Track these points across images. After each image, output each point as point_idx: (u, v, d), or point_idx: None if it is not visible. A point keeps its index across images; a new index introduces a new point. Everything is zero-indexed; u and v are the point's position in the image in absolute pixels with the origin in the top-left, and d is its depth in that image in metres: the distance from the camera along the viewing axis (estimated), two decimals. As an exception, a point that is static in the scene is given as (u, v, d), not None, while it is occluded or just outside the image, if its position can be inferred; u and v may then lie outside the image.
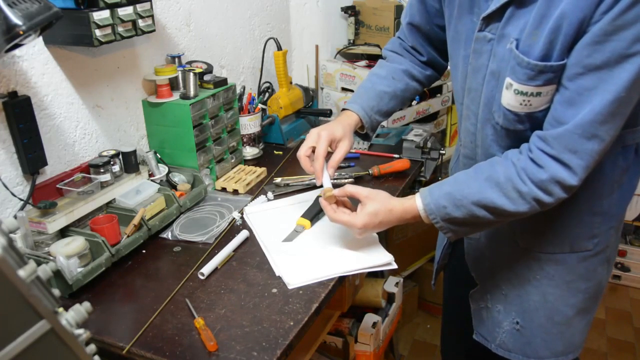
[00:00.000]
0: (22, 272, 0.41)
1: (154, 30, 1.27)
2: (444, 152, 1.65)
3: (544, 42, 0.84)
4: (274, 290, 1.03)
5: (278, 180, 1.48)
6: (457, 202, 0.96)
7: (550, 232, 1.03)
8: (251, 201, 1.39)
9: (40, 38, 1.15)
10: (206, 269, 1.08)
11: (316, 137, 1.15)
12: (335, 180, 1.44)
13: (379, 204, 1.04)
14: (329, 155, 1.17)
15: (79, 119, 1.29)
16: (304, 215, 1.25)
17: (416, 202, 1.01)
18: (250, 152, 1.69)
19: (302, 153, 1.15)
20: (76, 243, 1.07)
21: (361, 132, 1.29)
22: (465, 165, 1.12)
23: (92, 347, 0.51)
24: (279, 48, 1.85)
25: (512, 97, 0.91)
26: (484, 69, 0.97)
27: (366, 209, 1.04)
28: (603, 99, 0.81)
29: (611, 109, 0.82)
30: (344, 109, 1.26)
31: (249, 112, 1.68)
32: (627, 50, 0.78)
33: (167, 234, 1.25)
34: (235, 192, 1.46)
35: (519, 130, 0.95)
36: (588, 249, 1.03)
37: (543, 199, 0.90)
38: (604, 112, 0.82)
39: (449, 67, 1.17)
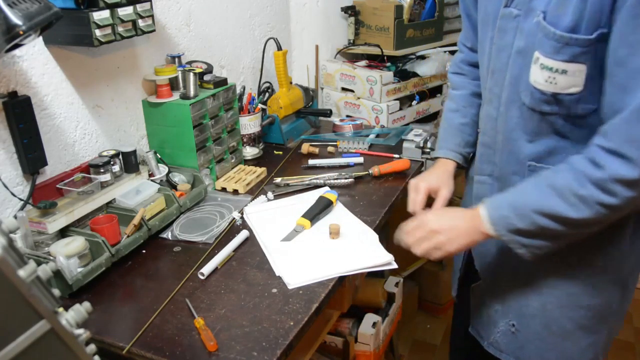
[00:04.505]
0: (22, 272, 0.41)
1: (154, 30, 1.27)
2: (444, 152, 1.65)
3: (573, 13, 0.80)
4: (274, 290, 1.03)
5: (278, 180, 1.48)
6: (519, 210, 0.91)
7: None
8: (251, 201, 1.39)
9: (40, 38, 1.15)
10: (206, 269, 1.08)
11: (414, 189, 1.19)
12: (335, 180, 1.44)
13: (434, 211, 1.07)
14: (430, 203, 1.19)
15: (79, 119, 1.29)
16: (304, 216, 1.25)
17: (480, 212, 0.97)
18: (250, 152, 1.69)
19: (410, 209, 1.18)
20: (76, 243, 1.07)
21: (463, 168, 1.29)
22: (483, 156, 1.08)
23: (92, 347, 0.51)
24: (279, 48, 1.85)
25: (538, 72, 0.87)
26: (509, 47, 0.94)
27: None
28: None
29: None
30: (435, 158, 1.28)
31: (249, 112, 1.68)
32: None
33: (167, 234, 1.25)
34: (235, 192, 1.46)
35: (545, 112, 0.91)
36: (597, 264, 0.98)
37: (607, 201, 0.83)
38: None
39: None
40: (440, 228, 1.00)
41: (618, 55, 0.78)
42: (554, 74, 0.85)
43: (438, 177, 1.20)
